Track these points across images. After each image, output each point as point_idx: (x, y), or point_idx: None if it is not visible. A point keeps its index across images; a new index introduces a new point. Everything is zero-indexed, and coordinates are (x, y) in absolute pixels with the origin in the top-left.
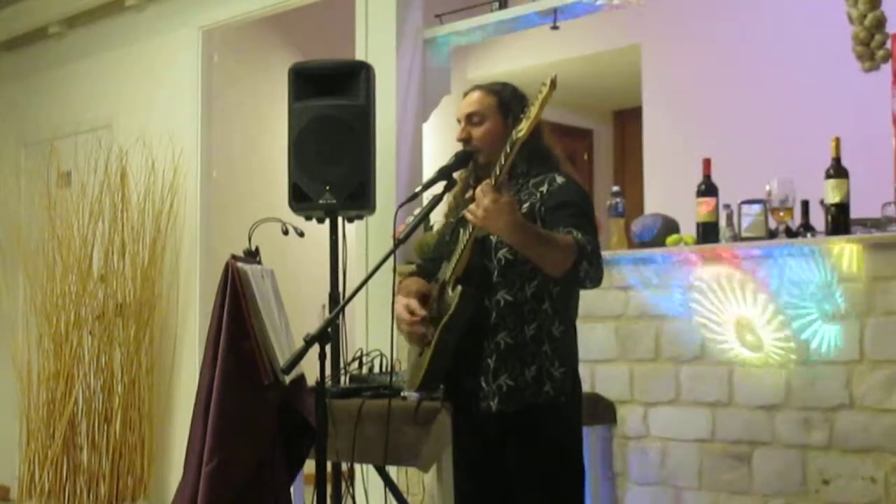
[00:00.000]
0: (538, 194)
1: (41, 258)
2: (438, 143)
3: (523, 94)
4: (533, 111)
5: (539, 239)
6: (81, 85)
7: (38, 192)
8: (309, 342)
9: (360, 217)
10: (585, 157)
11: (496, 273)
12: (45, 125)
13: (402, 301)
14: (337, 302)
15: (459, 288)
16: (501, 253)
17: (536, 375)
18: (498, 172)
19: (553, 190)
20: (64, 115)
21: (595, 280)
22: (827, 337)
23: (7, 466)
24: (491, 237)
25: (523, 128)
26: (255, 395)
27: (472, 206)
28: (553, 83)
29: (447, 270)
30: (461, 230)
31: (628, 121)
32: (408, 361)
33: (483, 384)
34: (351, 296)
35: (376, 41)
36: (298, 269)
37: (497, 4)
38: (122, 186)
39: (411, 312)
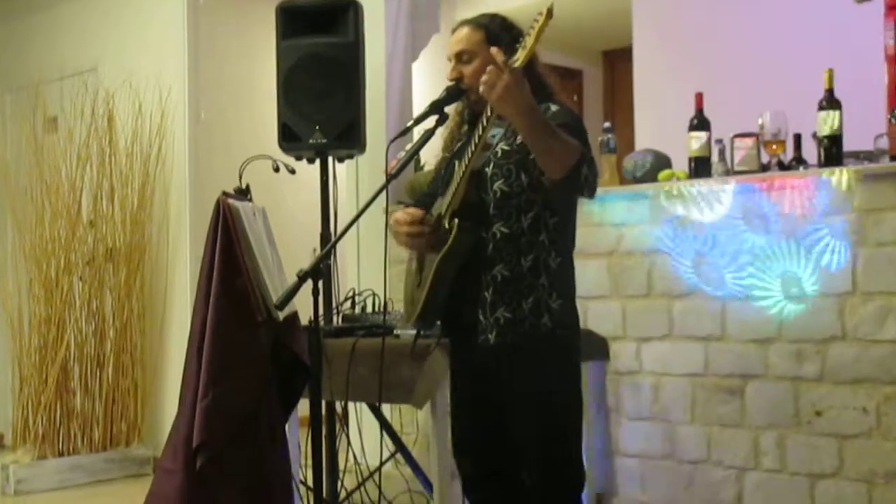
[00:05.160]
0: None
1: (29, 204)
2: (429, 84)
3: (512, 24)
4: (529, 41)
5: (548, 128)
6: (67, 29)
7: (24, 137)
8: (303, 277)
9: (350, 157)
10: (575, 97)
11: (492, 206)
12: (31, 70)
13: (397, 213)
14: (329, 242)
15: (456, 221)
16: (497, 185)
17: (534, 307)
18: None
19: (549, 116)
20: (49, 59)
21: (592, 189)
22: (818, 269)
23: (0, 413)
24: (486, 170)
25: (519, 57)
26: (248, 332)
27: (485, 78)
28: (549, 12)
29: (443, 204)
30: (456, 163)
31: (618, 61)
32: (404, 296)
33: (481, 317)
34: (344, 229)
35: None
36: (288, 212)
37: None
38: (110, 130)
39: (409, 215)
